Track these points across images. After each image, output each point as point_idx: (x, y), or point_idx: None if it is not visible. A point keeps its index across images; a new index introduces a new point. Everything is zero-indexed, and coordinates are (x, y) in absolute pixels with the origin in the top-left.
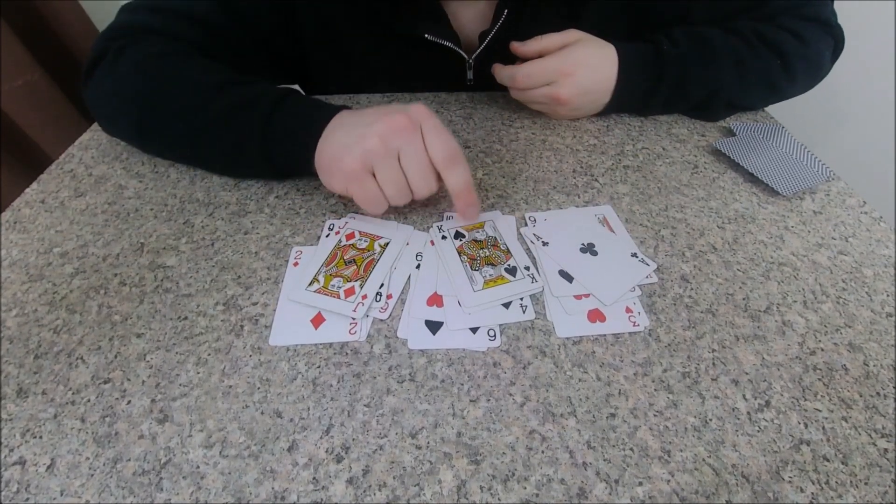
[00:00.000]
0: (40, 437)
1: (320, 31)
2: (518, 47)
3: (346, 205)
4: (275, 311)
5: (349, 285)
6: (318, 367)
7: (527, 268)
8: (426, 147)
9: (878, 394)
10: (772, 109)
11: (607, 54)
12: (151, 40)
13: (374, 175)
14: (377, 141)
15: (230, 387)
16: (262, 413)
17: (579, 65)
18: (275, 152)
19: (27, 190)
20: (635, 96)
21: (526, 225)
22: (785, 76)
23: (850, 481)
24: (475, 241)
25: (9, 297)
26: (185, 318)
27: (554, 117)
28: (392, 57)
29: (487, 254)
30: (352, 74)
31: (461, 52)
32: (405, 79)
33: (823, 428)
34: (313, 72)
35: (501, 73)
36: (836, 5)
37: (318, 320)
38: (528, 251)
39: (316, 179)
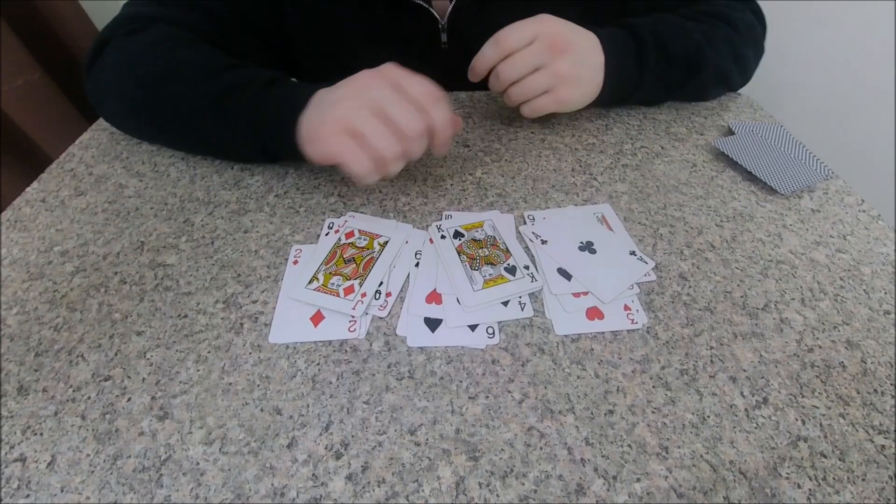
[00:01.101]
0: (41, 435)
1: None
2: (479, 62)
3: (346, 203)
4: (274, 309)
5: (348, 283)
6: (318, 364)
7: (526, 267)
8: (406, 91)
9: (875, 391)
10: (772, 109)
11: (583, 31)
12: (158, 28)
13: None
14: (352, 98)
15: (230, 384)
16: (261, 410)
17: (564, 37)
18: (263, 133)
19: (28, 189)
20: (628, 67)
21: (525, 223)
22: (741, 40)
23: (848, 477)
24: (474, 240)
25: (9, 296)
26: (185, 316)
27: (559, 108)
28: (365, 21)
29: (487, 253)
30: (325, 39)
31: (432, 10)
32: (380, 43)
33: (821, 425)
34: (294, 39)
35: (480, 71)
36: (837, 6)
37: (317, 318)
38: (527, 250)
39: (315, 178)
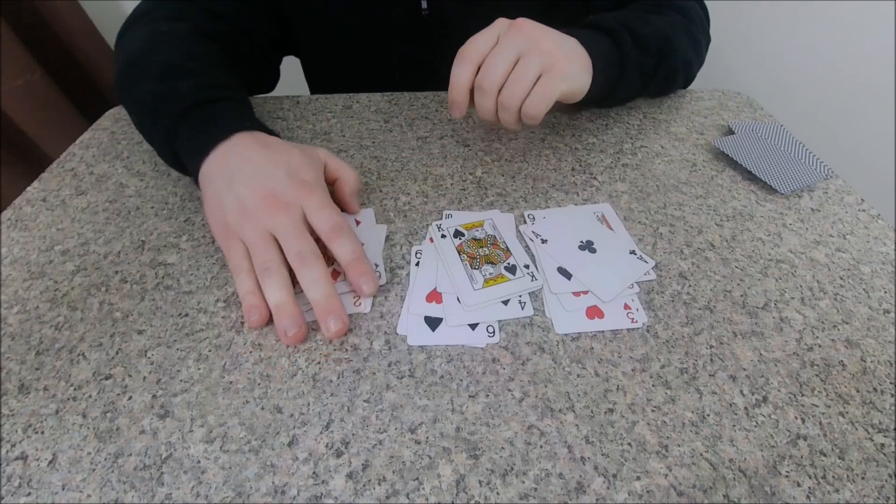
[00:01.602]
0: (42, 433)
1: None
2: (455, 90)
3: None
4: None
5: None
6: (318, 363)
7: (526, 266)
8: (310, 221)
9: (875, 389)
10: (772, 109)
11: (551, 29)
12: (168, 24)
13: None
14: (255, 216)
15: (231, 383)
16: (262, 408)
17: (530, 22)
18: (181, 156)
19: (28, 188)
20: (610, 57)
21: (525, 223)
22: (696, 30)
23: (847, 476)
24: (475, 239)
25: (10, 295)
26: (186, 314)
27: (565, 88)
28: None
29: (487, 252)
30: (311, 5)
31: None
32: (360, 9)
33: (820, 423)
34: (285, 7)
35: (461, 99)
36: (838, 6)
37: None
38: (528, 249)
39: None
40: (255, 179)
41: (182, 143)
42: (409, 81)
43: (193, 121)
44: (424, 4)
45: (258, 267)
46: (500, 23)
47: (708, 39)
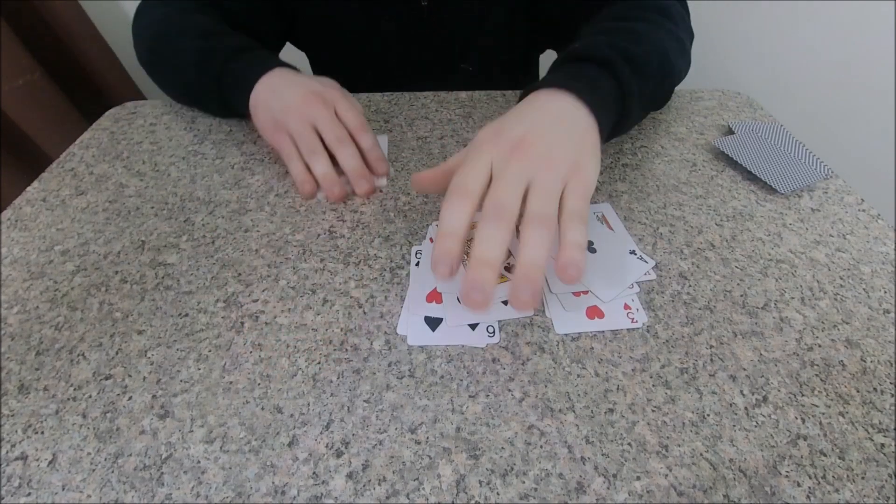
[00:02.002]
0: (42, 433)
1: None
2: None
3: (346, 203)
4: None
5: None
6: (318, 363)
7: None
8: (341, 117)
9: (875, 389)
10: (772, 109)
11: (531, 101)
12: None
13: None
14: (298, 112)
15: (231, 383)
16: (262, 409)
17: (513, 132)
18: (225, 91)
19: (28, 188)
20: (607, 92)
21: None
22: (680, 32)
23: (847, 476)
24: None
25: (10, 295)
26: (186, 315)
27: (589, 187)
28: None
29: None
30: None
31: None
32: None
33: (820, 423)
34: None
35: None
36: (838, 6)
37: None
38: None
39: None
40: (296, 87)
41: (229, 83)
42: (407, 73)
43: (238, 64)
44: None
45: (305, 150)
46: (482, 143)
47: (691, 36)
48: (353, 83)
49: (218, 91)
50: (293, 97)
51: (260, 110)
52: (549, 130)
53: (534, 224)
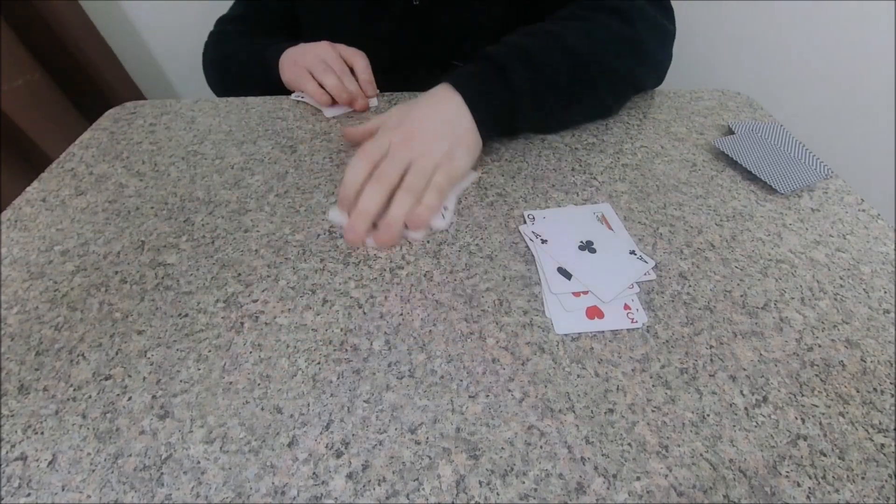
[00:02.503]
0: (42, 433)
1: None
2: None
3: None
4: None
5: None
6: (318, 363)
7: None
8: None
9: (875, 389)
10: (772, 109)
11: (426, 95)
12: (229, 33)
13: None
14: (305, 53)
15: (230, 383)
16: (262, 409)
17: (404, 126)
18: (266, 67)
19: (28, 188)
20: (495, 90)
21: (525, 223)
22: (636, 34)
23: (847, 476)
24: None
25: (10, 295)
26: (186, 315)
27: (455, 170)
28: None
29: None
30: None
31: None
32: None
33: (820, 423)
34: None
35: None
36: (838, 6)
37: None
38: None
39: (315, 178)
40: (312, 44)
41: (269, 56)
42: (402, 71)
43: (275, 47)
44: None
45: (318, 71)
46: (389, 130)
47: (662, 34)
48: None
49: (261, 66)
50: (309, 47)
51: (285, 60)
52: (435, 128)
53: (403, 191)
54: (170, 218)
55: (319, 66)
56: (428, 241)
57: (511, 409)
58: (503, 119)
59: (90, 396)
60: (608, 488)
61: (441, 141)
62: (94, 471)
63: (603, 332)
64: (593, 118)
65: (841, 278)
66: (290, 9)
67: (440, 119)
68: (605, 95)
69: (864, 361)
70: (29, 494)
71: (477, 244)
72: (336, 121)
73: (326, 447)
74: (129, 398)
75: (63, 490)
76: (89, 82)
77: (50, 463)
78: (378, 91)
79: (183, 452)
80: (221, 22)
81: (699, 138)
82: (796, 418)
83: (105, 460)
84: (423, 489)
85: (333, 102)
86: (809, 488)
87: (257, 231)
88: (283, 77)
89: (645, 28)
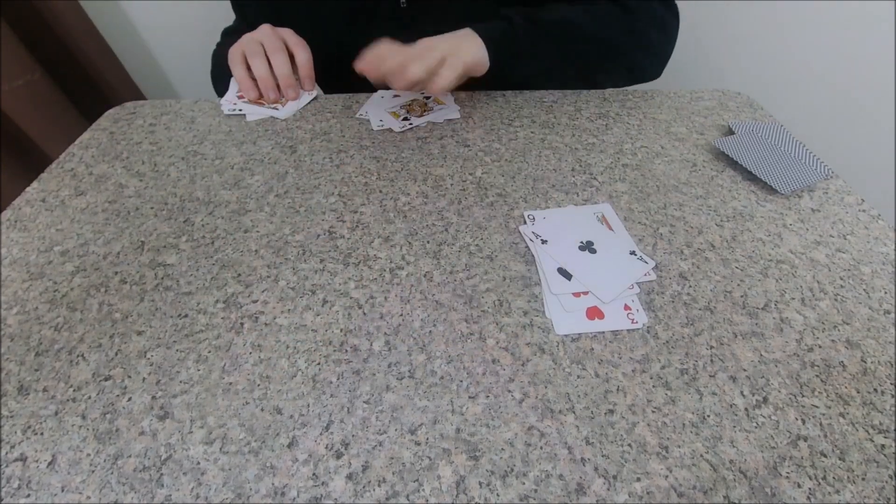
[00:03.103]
0: (41, 434)
1: None
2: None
3: (346, 203)
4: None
5: None
6: (318, 364)
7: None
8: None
9: (875, 390)
10: (772, 109)
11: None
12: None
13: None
14: (248, 36)
15: (230, 384)
16: (262, 410)
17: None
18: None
19: (28, 189)
20: (506, 38)
21: (525, 223)
22: (634, 19)
23: (848, 477)
24: None
25: (10, 295)
26: (186, 315)
27: (473, 69)
28: None
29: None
30: None
31: None
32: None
33: (821, 424)
34: None
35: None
36: (838, 6)
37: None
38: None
39: (315, 178)
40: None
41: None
42: None
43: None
44: (403, 0)
45: (249, 52)
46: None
47: (661, 23)
48: (339, 82)
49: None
50: (254, 31)
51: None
52: (448, 37)
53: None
54: (170, 218)
55: (254, 47)
56: (428, 242)
57: (511, 409)
58: (503, 46)
59: (90, 397)
60: (608, 489)
61: (456, 38)
62: (93, 471)
63: (603, 332)
64: (582, 81)
65: (841, 279)
66: (278, 16)
67: (455, 36)
68: (595, 61)
69: (865, 362)
70: (29, 495)
71: (477, 244)
72: (295, 121)
73: (326, 448)
74: (129, 399)
75: (63, 491)
76: (89, 82)
77: (50, 464)
78: (317, 87)
79: (183, 453)
80: (224, 34)
81: (699, 138)
82: (797, 419)
83: (105, 461)
84: (423, 490)
85: (260, 97)
86: (810, 489)
87: (257, 231)
88: (230, 57)
89: (643, 12)
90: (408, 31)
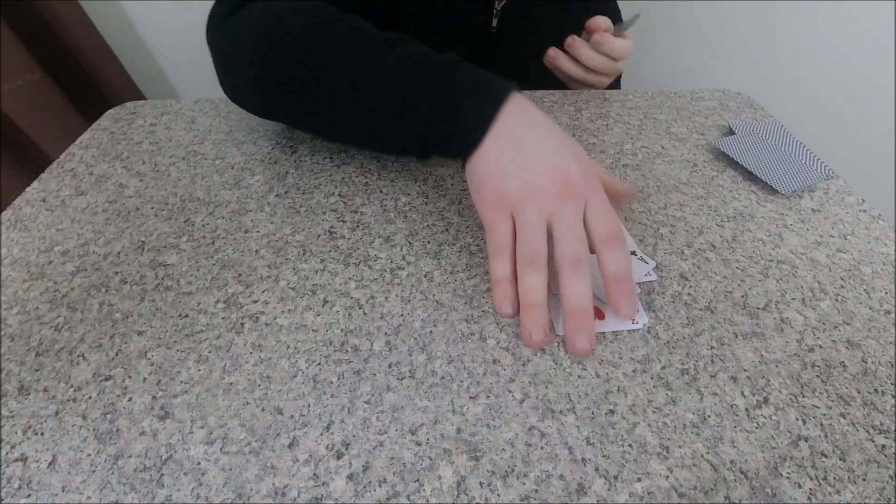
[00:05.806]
0: (42, 434)
1: None
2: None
3: (346, 203)
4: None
5: None
6: (319, 364)
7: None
8: (587, 219)
9: (875, 390)
10: (772, 109)
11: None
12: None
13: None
14: (535, 197)
15: (231, 384)
16: (262, 410)
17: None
18: (435, 117)
19: (28, 189)
20: None
21: None
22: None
23: (848, 477)
24: None
25: (10, 295)
26: (186, 315)
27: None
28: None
29: None
30: (381, 11)
31: None
32: (433, 18)
33: (821, 424)
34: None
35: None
36: (838, 6)
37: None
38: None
39: (316, 178)
40: (547, 157)
41: (450, 113)
42: None
43: (459, 87)
44: (494, 23)
45: (525, 255)
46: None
47: None
48: None
49: (426, 125)
50: (542, 175)
51: (492, 166)
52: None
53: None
54: (170, 218)
55: (537, 243)
56: (429, 242)
57: (512, 409)
58: None
59: (90, 397)
60: (609, 489)
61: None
62: (94, 472)
63: (604, 332)
64: None
65: (842, 279)
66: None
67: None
68: None
69: (865, 362)
70: (29, 495)
71: (477, 244)
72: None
73: (327, 448)
74: (130, 399)
75: (63, 491)
76: (89, 82)
77: (50, 464)
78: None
79: (183, 453)
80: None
81: (700, 139)
82: (797, 419)
83: (105, 461)
84: (424, 490)
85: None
86: (810, 489)
87: (257, 231)
88: (479, 187)
89: None
90: (496, 55)
